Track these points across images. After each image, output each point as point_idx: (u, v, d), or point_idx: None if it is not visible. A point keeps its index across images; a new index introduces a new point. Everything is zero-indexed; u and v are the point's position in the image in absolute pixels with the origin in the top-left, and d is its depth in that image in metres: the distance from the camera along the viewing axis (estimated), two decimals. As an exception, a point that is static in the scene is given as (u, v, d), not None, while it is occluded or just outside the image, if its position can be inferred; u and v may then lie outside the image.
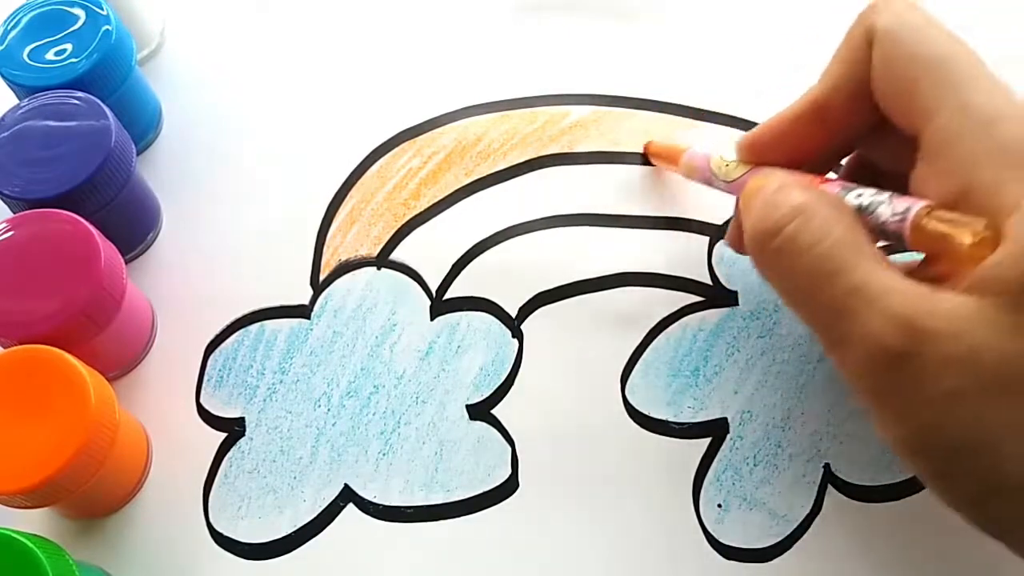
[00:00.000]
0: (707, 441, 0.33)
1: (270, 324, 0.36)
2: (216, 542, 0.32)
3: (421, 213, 0.38)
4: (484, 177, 0.38)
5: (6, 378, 0.29)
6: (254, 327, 0.36)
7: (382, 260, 0.37)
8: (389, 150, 0.39)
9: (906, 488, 0.32)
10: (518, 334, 0.35)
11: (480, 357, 0.35)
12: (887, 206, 0.24)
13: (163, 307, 0.37)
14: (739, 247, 0.33)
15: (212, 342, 0.36)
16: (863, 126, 0.28)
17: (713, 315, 0.35)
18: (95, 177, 0.34)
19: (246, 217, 0.39)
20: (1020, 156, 0.23)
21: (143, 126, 0.40)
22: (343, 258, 0.37)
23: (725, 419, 0.33)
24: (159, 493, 0.34)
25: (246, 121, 0.41)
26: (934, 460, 0.23)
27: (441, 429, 0.34)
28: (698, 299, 0.35)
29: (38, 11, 0.38)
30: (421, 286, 0.36)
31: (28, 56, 0.37)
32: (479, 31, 0.42)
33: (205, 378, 0.35)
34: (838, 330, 0.23)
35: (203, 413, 0.35)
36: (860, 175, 0.30)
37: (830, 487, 0.32)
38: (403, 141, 0.39)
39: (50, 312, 0.31)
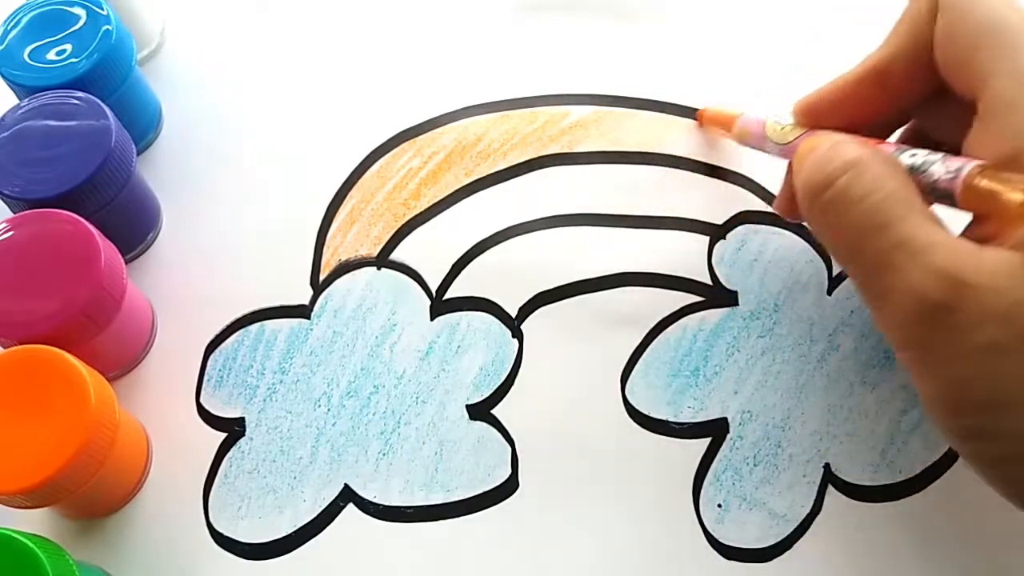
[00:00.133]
0: (707, 441, 0.33)
1: (270, 324, 0.36)
2: (216, 542, 0.32)
3: (421, 213, 0.38)
4: (484, 177, 0.38)
5: (6, 378, 0.29)
6: (254, 327, 0.36)
7: (382, 260, 0.37)
8: (389, 150, 0.39)
9: (906, 488, 0.32)
10: (518, 334, 0.35)
11: (480, 357, 0.35)
12: (940, 164, 0.25)
13: (163, 307, 0.37)
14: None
15: (212, 342, 0.36)
16: (922, 93, 0.29)
17: (713, 315, 0.35)
18: (95, 177, 0.34)
19: (246, 217, 0.39)
20: None
21: (143, 126, 0.40)
22: (343, 258, 0.37)
23: (725, 419, 0.33)
24: (159, 493, 0.34)
25: (246, 121, 0.41)
26: (968, 415, 0.23)
27: (441, 429, 0.34)
28: (698, 299, 0.35)
29: (38, 11, 0.38)
30: (421, 286, 0.36)
31: (28, 56, 0.37)
32: (479, 31, 0.42)
33: (205, 378, 0.35)
34: (883, 283, 0.24)
35: (203, 413, 0.35)
36: (915, 146, 0.30)
37: (830, 487, 0.32)
38: (403, 141, 0.39)
39: (50, 312, 0.31)
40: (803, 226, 0.36)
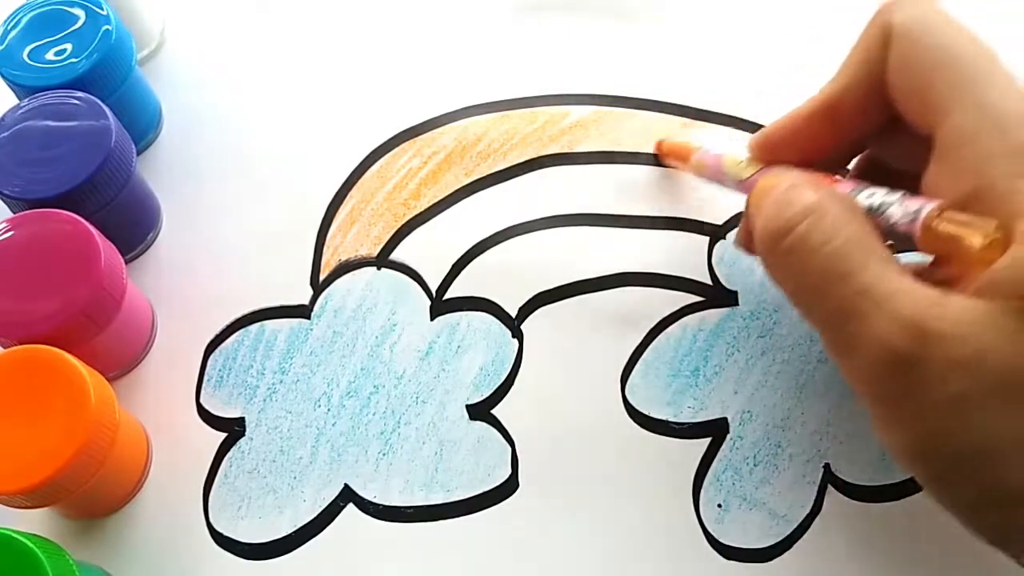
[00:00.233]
0: (707, 441, 0.33)
1: (270, 324, 0.36)
2: (216, 542, 0.32)
3: (421, 213, 0.38)
4: (484, 177, 0.38)
5: (6, 378, 0.29)
6: (254, 327, 0.36)
7: (382, 260, 0.37)
8: (389, 150, 0.39)
9: (906, 488, 0.32)
10: (518, 334, 0.35)
11: (480, 357, 0.35)
12: (898, 206, 0.24)
13: (163, 307, 0.37)
14: (748, 247, 0.33)
15: (212, 342, 0.36)
16: (876, 125, 0.28)
17: (713, 315, 0.35)
18: (95, 177, 0.34)
19: (246, 217, 0.39)
20: None
21: (143, 126, 0.40)
22: (343, 258, 0.37)
23: (725, 419, 0.33)
24: (159, 493, 0.34)
25: (246, 121, 0.41)
26: (936, 466, 0.23)
27: (441, 429, 0.34)
28: (698, 299, 0.35)
29: (38, 11, 0.38)
30: (421, 286, 0.36)
31: (28, 56, 0.37)
32: (479, 31, 0.42)
33: (205, 378, 0.35)
34: (846, 332, 0.23)
35: (203, 413, 0.35)
36: (871, 174, 0.30)
37: (830, 487, 0.32)
38: (403, 141, 0.39)
39: (50, 312, 0.31)
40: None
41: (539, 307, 0.35)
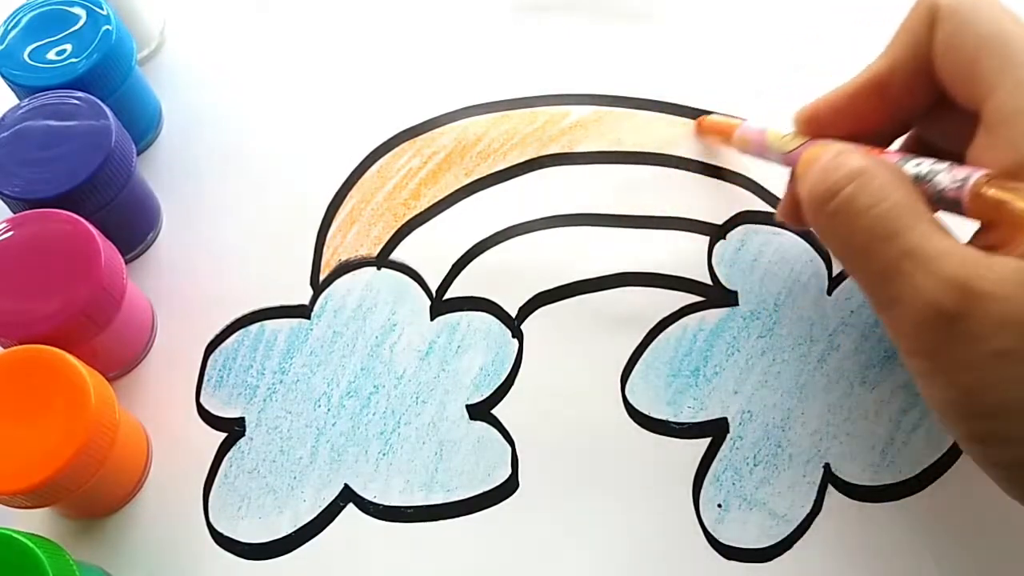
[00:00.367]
0: (707, 441, 0.33)
1: (270, 324, 0.36)
2: (216, 542, 0.32)
3: (421, 213, 0.38)
4: (484, 177, 0.38)
5: (6, 378, 0.29)
6: (254, 327, 0.36)
7: (382, 260, 0.37)
8: (389, 150, 0.39)
9: (906, 488, 0.32)
10: (518, 334, 0.35)
11: (480, 357, 0.35)
12: (946, 174, 0.25)
13: (163, 307, 0.37)
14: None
15: (212, 342, 0.36)
16: (922, 103, 0.29)
17: (713, 315, 0.35)
18: (95, 177, 0.34)
19: (246, 217, 0.39)
20: None
21: (143, 126, 0.40)
22: (343, 258, 0.37)
23: (725, 419, 0.33)
24: (159, 493, 0.34)
25: (246, 121, 0.41)
26: (980, 421, 0.23)
27: (441, 429, 0.34)
28: (698, 299, 0.35)
29: (38, 11, 0.38)
30: (421, 286, 0.36)
31: (28, 56, 0.37)
32: (479, 31, 0.42)
33: (205, 378, 0.35)
34: (892, 291, 0.24)
35: (203, 413, 0.35)
36: (918, 155, 0.30)
37: (830, 487, 0.32)
38: (403, 141, 0.39)
39: (50, 312, 0.31)
40: (803, 226, 0.36)
41: (539, 307, 0.35)
